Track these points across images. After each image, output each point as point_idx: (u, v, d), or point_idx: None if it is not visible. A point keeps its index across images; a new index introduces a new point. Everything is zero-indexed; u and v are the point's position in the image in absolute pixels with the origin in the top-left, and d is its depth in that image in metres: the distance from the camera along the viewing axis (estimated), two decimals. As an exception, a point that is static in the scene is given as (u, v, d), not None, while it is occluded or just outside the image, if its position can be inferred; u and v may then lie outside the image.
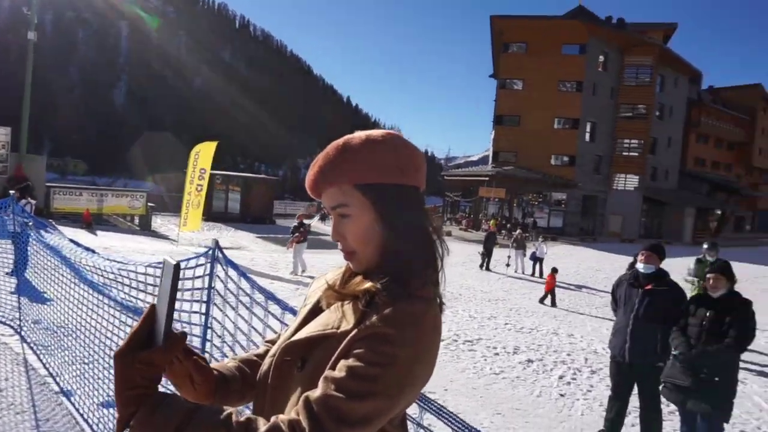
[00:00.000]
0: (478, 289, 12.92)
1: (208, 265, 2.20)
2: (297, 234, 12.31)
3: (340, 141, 0.95)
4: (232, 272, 2.16)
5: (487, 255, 17.26)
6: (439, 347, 0.88)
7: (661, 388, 3.77)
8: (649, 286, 3.88)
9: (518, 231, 19.32)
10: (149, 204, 23.12)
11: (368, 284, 0.89)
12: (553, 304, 11.52)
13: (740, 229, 54.72)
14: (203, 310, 2.33)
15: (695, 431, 3.55)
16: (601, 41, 36.39)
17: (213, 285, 2.23)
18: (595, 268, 19.49)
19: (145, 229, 22.06)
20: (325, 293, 0.98)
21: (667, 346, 3.70)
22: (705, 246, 8.11)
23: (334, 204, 0.93)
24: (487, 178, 33.31)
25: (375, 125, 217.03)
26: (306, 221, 13.81)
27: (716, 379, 3.45)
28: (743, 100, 53.74)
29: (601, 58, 36.77)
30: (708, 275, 3.71)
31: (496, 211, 35.19)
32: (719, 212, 47.34)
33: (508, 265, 17.34)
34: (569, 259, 21.83)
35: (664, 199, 38.80)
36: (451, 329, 7.65)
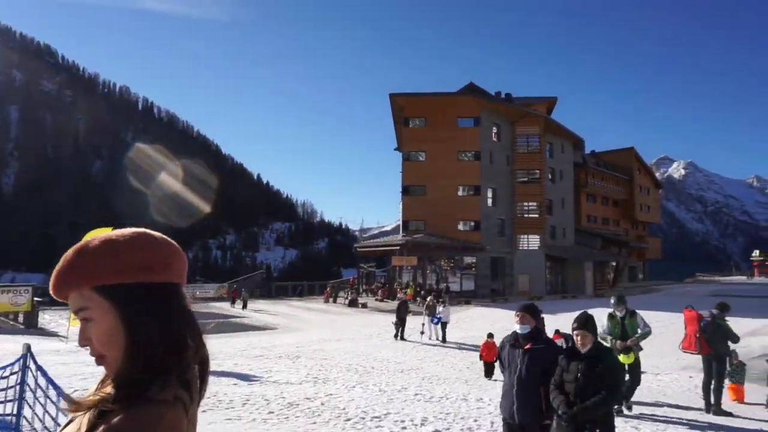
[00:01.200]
0: (392, 360, 12.76)
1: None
2: None
3: (79, 243, 0.92)
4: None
5: (400, 324, 17.23)
6: None
7: None
8: (528, 346, 4.02)
9: (430, 297, 19.53)
10: (36, 299, 21.12)
11: (104, 391, 0.84)
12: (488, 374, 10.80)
13: (634, 279, 59.13)
14: (14, 424, 2.07)
15: None
16: (493, 114, 39.49)
17: (23, 395, 2.01)
18: (507, 328, 19.88)
19: (30, 326, 20.03)
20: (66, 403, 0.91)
21: (550, 403, 3.80)
22: (612, 301, 7.89)
23: (75, 308, 0.89)
24: (398, 247, 33.90)
25: (287, 200, 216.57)
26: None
27: (597, 431, 3.57)
28: (621, 161, 59.93)
29: (494, 129, 39.73)
30: (574, 332, 3.90)
31: (410, 278, 35.65)
32: (614, 264, 51.07)
33: (422, 332, 17.38)
34: (482, 320, 22.31)
35: (565, 256, 41.38)
36: (359, 406, 7.42)
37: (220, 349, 12.70)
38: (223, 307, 29.71)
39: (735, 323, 8.73)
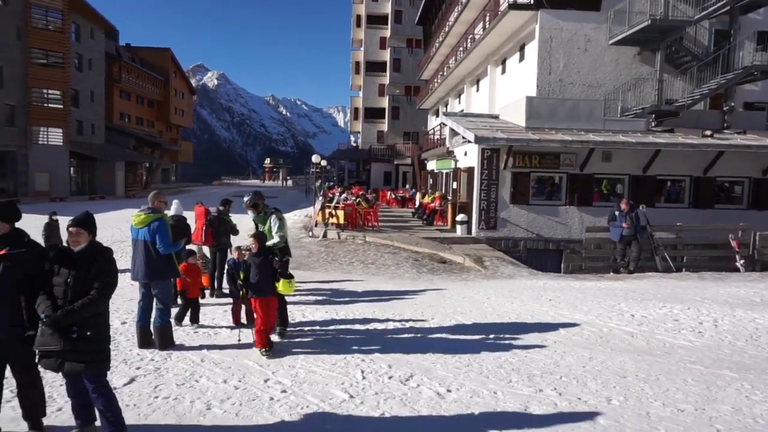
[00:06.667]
0: None
1: None
2: None
3: None
4: None
5: None
6: None
7: (37, 358, 3.48)
8: (3, 252, 3.45)
9: None
10: None
11: None
12: None
13: (167, 180, 60.69)
14: None
15: (84, 390, 3.46)
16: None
17: None
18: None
19: None
20: None
21: (35, 313, 3.40)
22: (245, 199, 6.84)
23: None
24: None
25: None
26: None
27: (88, 333, 3.38)
28: (157, 62, 58.50)
29: (0, -11, 31.54)
30: (69, 229, 3.55)
31: None
32: (147, 165, 50.75)
33: None
34: None
35: (94, 154, 38.18)
36: None
37: None
38: None
39: (240, 218, 10.11)
